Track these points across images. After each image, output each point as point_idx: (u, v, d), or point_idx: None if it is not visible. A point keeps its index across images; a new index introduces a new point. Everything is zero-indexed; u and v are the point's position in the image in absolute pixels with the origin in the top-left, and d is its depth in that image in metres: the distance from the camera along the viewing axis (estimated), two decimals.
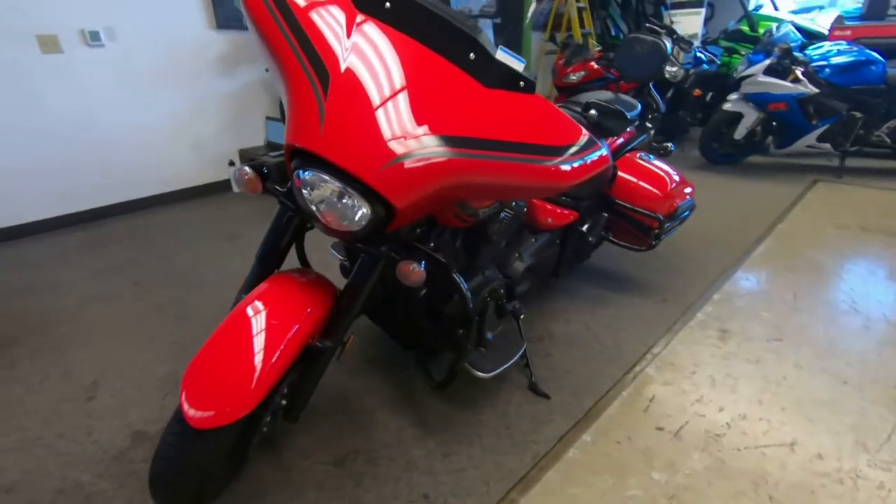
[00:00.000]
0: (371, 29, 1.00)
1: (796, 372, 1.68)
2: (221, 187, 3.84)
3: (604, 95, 1.96)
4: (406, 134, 0.93)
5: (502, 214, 1.43)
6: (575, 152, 1.04)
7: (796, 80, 3.52)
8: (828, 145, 3.73)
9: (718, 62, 4.87)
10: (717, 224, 2.93)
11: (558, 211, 1.76)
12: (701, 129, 4.15)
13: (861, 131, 3.57)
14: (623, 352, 1.81)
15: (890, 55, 3.59)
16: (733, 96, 3.82)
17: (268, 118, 3.95)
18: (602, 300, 2.16)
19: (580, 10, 5.47)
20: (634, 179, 1.98)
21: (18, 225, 3.01)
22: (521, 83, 1.00)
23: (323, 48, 0.96)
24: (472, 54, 0.98)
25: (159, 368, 1.77)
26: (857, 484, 1.26)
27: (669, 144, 2.29)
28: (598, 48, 5.10)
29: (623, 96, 2.03)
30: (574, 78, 4.51)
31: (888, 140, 3.61)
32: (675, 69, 4.28)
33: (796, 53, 3.60)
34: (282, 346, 1.01)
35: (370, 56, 0.97)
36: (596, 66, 4.42)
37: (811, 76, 3.53)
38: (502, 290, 1.51)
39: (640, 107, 1.97)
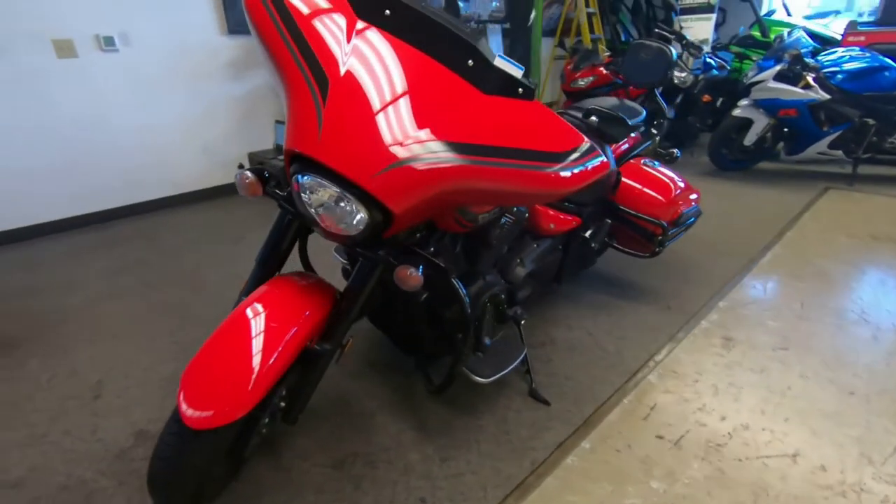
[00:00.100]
0: (371, 36, 1.02)
1: (802, 382, 1.66)
2: (230, 190, 3.89)
3: (608, 101, 1.96)
4: (404, 140, 0.94)
5: (503, 220, 1.43)
6: (574, 159, 1.04)
7: (807, 87, 3.49)
8: (840, 152, 3.68)
9: (729, 68, 4.83)
10: (724, 231, 2.90)
11: (561, 217, 1.76)
12: (711, 135, 4.12)
13: (874, 138, 3.52)
14: (625, 359, 1.80)
15: None
16: (743, 102, 3.79)
17: (277, 122, 3.99)
18: (605, 306, 2.15)
19: (590, 16, 5.47)
20: (638, 185, 1.98)
21: (34, 225, 3.08)
22: (520, 89, 1.00)
23: (322, 54, 0.98)
24: (470, 61, 0.99)
25: (163, 368, 1.79)
26: (860, 497, 1.24)
27: (675, 150, 2.27)
28: (608, 53, 5.09)
29: (628, 102, 2.03)
30: (583, 83, 4.50)
31: None
32: (684, 75, 4.25)
33: (807, 59, 3.57)
34: (280, 348, 1.02)
35: (369, 63, 0.98)
36: (605, 72, 4.41)
37: (823, 82, 3.49)
38: (503, 296, 1.51)
39: (644, 113, 1.96)
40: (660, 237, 1.95)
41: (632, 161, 2.07)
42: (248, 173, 1.14)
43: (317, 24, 1.00)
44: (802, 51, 3.62)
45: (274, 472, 1.35)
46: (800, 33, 4.02)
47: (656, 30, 4.38)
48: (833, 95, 3.46)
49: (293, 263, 1.33)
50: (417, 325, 1.44)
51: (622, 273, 2.44)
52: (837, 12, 6.36)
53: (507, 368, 1.46)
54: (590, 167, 1.07)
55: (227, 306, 1.11)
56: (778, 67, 3.62)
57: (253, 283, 1.24)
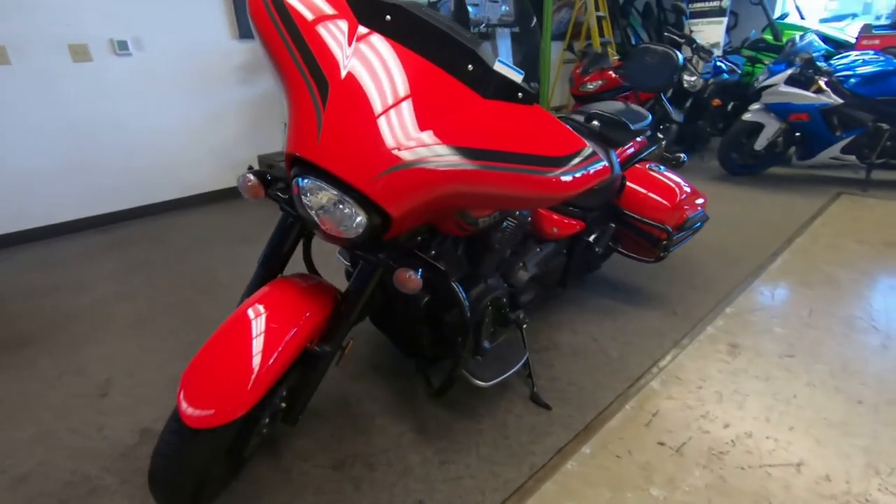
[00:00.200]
0: (371, 41, 1.03)
1: (808, 390, 1.63)
2: (239, 192, 3.92)
3: (613, 106, 1.95)
4: (402, 144, 0.94)
5: (505, 223, 1.43)
6: (575, 163, 1.04)
7: (819, 91, 3.44)
8: (853, 157, 3.62)
9: (740, 72, 4.79)
10: (732, 237, 2.87)
11: (564, 221, 1.76)
12: (721, 139, 4.08)
13: (888, 143, 3.46)
14: (628, 364, 1.79)
15: None
16: (754, 106, 3.75)
17: (286, 125, 4.02)
18: (610, 311, 2.13)
19: (600, 20, 5.45)
20: (643, 190, 1.97)
21: (50, 225, 3.15)
22: (520, 94, 1.01)
23: (323, 59, 0.99)
24: (470, 66, 0.99)
25: (170, 368, 1.82)
26: None
27: (682, 155, 2.26)
28: (617, 57, 5.07)
29: (634, 106, 2.02)
30: (591, 87, 4.49)
31: None
32: (693, 79, 4.22)
33: (820, 63, 3.52)
34: (279, 349, 1.03)
35: (369, 68, 0.99)
36: (614, 76, 4.39)
37: (835, 86, 3.44)
38: (505, 299, 1.51)
39: (650, 117, 1.95)
40: (664, 242, 1.93)
41: (637, 165, 2.06)
42: (251, 176, 1.16)
43: (318, 28, 1.02)
44: (814, 54, 3.58)
45: (274, 473, 1.36)
46: (812, 37, 3.97)
47: (666, 33, 4.36)
48: (846, 100, 3.41)
49: (298, 266, 1.35)
50: (418, 327, 1.44)
51: (628, 278, 2.42)
52: (854, 15, 6.26)
53: (507, 372, 1.46)
54: (590, 171, 1.07)
55: (234, 307, 1.13)
56: (789, 71, 3.58)
57: (255, 284, 1.25)
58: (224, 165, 3.81)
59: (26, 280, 2.58)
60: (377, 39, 1.03)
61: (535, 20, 4.89)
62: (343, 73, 0.98)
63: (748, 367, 1.75)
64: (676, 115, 4.06)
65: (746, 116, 3.77)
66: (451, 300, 1.24)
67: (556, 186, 1.02)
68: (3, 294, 2.43)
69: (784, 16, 5.74)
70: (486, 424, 1.52)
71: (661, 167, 2.10)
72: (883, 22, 5.64)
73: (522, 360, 1.53)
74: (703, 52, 4.28)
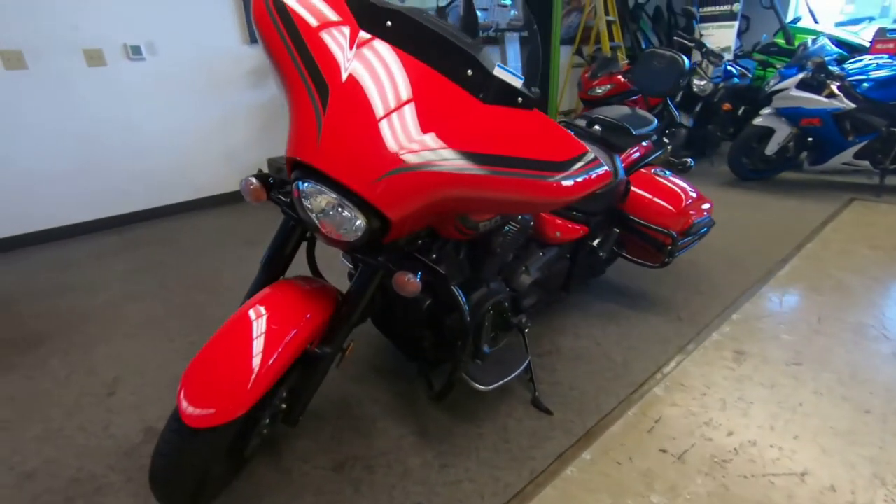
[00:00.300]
0: (372, 46, 1.04)
1: (815, 399, 1.61)
2: None
3: (619, 111, 1.95)
4: (401, 148, 0.95)
5: (507, 227, 1.43)
6: (576, 168, 1.04)
7: (832, 95, 3.40)
8: (866, 163, 3.56)
9: (751, 76, 4.75)
10: (741, 242, 2.84)
11: (568, 225, 1.76)
12: (731, 144, 4.04)
13: None
14: (631, 370, 1.77)
15: None
16: (765, 111, 3.71)
17: None
18: (614, 316, 2.12)
19: (609, 24, 5.44)
20: (648, 195, 1.96)
21: (66, 226, 3.22)
22: (519, 99, 1.01)
23: (324, 64, 1.00)
24: (469, 71, 1.00)
25: (177, 367, 1.84)
26: None
27: (689, 160, 2.24)
28: (626, 61, 5.05)
29: (640, 111, 2.01)
30: (600, 91, 4.48)
31: None
32: (703, 83, 4.19)
33: (832, 67, 3.48)
34: (279, 350, 1.04)
35: (370, 72, 1.01)
36: (622, 80, 4.37)
37: (848, 91, 3.40)
38: (507, 303, 1.51)
39: (655, 122, 1.94)
40: (669, 247, 1.92)
41: (642, 170, 2.05)
42: (253, 179, 1.17)
43: (320, 33, 1.03)
44: (826, 58, 3.53)
45: (274, 473, 1.38)
46: (824, 41, 3.93)
47: (675, 38, 4.34)
48: (859, 104, 3.36)
49: (301, 268, 1.36)
50: (419, 330, 1.45)
51: (633, 283, 2.41)
52: (871, 18, 6.16)
53: (508, 377, 1.46)
54: (592, 176, 1.07)
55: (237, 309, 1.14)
56: (801, 75, 3.54)
57: (256, 286, 1.27)
58: (234, 168, 3.86)
59: (42, 280, 2.63)
60: (378, 44, 1.04)
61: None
62: (344, 78, 1.00)
63: (754, 375, 1.73)
64: (685, 120, 4.03)
65: (757, 121, 3.73)
66: (451, 304, 1.24)
67: (556, 191, 1.02)
68: (19, 294, 2.48)
69: (797, 20, 5.67)
70: (487, 428, 1.52)
71: (667, 172, 2.09)
72: None
73: (524, 365, 1.53)
74: (712, 56, 4.25)
